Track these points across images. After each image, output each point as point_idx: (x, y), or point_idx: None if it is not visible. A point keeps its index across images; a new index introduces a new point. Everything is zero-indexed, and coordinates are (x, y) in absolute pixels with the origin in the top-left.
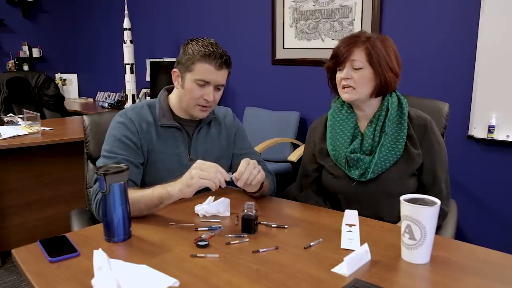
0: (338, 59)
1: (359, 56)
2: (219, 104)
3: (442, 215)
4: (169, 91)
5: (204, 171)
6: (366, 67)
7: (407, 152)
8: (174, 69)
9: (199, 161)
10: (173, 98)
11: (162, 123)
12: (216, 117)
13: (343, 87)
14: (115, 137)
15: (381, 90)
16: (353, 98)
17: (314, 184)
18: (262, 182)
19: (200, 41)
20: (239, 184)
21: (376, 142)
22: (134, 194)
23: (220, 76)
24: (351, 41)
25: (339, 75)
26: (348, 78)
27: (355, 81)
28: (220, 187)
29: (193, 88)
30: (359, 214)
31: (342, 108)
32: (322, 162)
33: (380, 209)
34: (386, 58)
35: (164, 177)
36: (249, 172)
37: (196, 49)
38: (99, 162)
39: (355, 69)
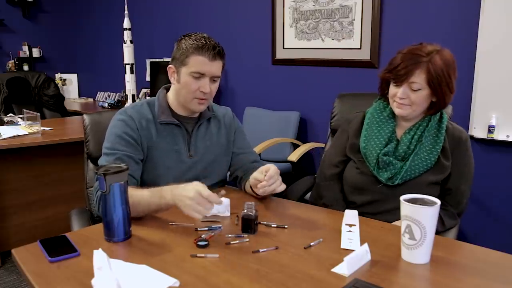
0: (397, 77)
1: (418, 78)
2: (219, 104)
3: (452, 224)
4: (168, 89)
5: (199, 206)
6: (424, 88)
7: (439, 163)
8: (170, 65)
9: (198, 190)
10: (171, 95)
11: (161, 120)
12: (215, 115)
13: (396, 102)
14: (116, 134)
15: (437, 108)
16: (405, 114)
17: (337, 176)
18: None
19: (193, 35)
20: (259, 188)
21: (411, 150)
22: (134, 193)
23: (215, 67)
24: (412, 60)
25: (394, 89)
26: (404, 98)
27: (412, 101)
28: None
29: (189, 81)
30: (373, 214)
31: (384, 111)
32: (351, 156)
33: (397, 213)
34: (446, 77)
35: (163, 174)
36: (274, 181)
37: (189, 43)
38: (101, 160)
39: (414, 89)
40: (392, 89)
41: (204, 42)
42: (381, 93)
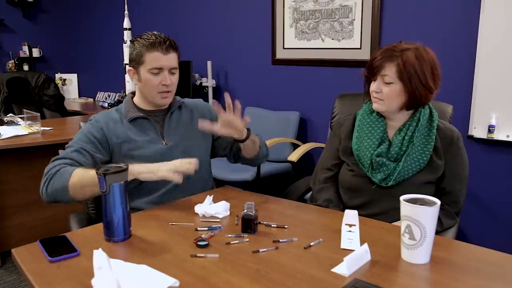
0: (371, 70)
1: (389, 72)
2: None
3: (450, 223)
4: (134, 93)
5: (179, 167)
6: (396, 82)
7: (431, 162)
8: (129, 68)
9: (177, 161)
10: (137, 96)
11: (128, 117)
12: (186, 105)
13: (373, 96)
14: (82, 133)
15: (412, 104)
16: (381, 110)
17: (331, 179)
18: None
19: (144, 35)
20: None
21: (403, 151)
22: (85, 172)
23: (170, 59)
24: (386, 54)
25: (372, 85)
26: (378, 92)
27: (384, 94)
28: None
29: (150, 78)
30: (369, 215)
31: (373, 111)
32: (344, 159)
33: (391, 214)
34: (419, 74)
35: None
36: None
37: (141, 43)
38: (60, 152)
39: (386, 83)
40: (371, 85)
41: (155, 38)
42: (367, 94)
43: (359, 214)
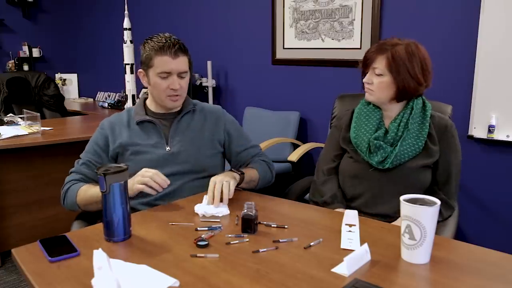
0: (364, 63)
1: (379, 64)
2: (219, 103)
3: (447, 213)
4: None
5: (144, 177)
6: (386, 74)
7: (427, 148)
8: (139, 70)
9: (143, 169)
10: (148, 99)
11: (136, 120)
12: (201, 109)
13: (365, 87)
14: (90, 141)
15: (401, 96)
16: (372, 100)
17: (334, 170)
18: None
19: (154, 37)
20: (214, 204)
21: (399, 136)
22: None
23: (179, 63)
24: (377, 48)
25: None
26: (369, 83)
27: (375, 86)
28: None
29: (158, 82)
30: (369, 203)
31: (370, 103)
32: (344, 146)
33: (392, 201)
34: (408, 66)
35: (143, 168)
36: (218, 193)
37: (151, 46)
38: (75, 163)
39: (377, 75)
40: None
41: (165, 41)
42: (363, 86)
43: (359, 203)
